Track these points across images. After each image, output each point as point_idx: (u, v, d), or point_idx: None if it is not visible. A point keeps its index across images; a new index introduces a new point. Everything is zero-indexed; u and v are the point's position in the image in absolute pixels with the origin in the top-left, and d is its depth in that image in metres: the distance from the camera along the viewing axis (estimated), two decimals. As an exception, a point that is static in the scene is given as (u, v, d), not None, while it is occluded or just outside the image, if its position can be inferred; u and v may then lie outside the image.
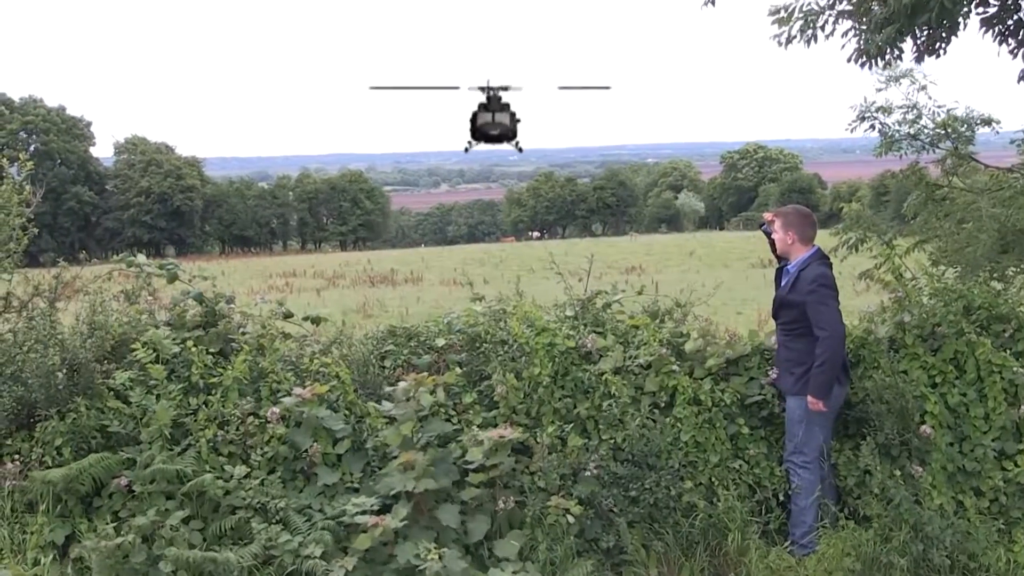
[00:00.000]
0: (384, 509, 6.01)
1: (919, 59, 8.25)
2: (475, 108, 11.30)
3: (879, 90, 9.52)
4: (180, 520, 5.96)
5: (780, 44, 8.36)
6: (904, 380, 6.61)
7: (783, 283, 6.69)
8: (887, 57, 7.97)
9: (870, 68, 8.17)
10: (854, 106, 9.68)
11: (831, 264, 6.61)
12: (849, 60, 8.12)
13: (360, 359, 7.09)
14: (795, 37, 8.14)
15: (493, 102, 10.71)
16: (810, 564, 6.19)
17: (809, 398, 6.36)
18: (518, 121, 11.00)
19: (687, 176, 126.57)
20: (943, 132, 9.75)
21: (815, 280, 6.37)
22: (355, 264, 51.41)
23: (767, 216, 6.90)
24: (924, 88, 9.45)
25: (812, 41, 8.15)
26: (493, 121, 10.81)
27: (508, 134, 10.98)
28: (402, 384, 6.39)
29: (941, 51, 8.05)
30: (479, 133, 11.07)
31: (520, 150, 11.76)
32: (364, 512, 5.88)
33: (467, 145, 11.66)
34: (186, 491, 6.06)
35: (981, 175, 10.07)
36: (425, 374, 6.49)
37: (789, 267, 6.66)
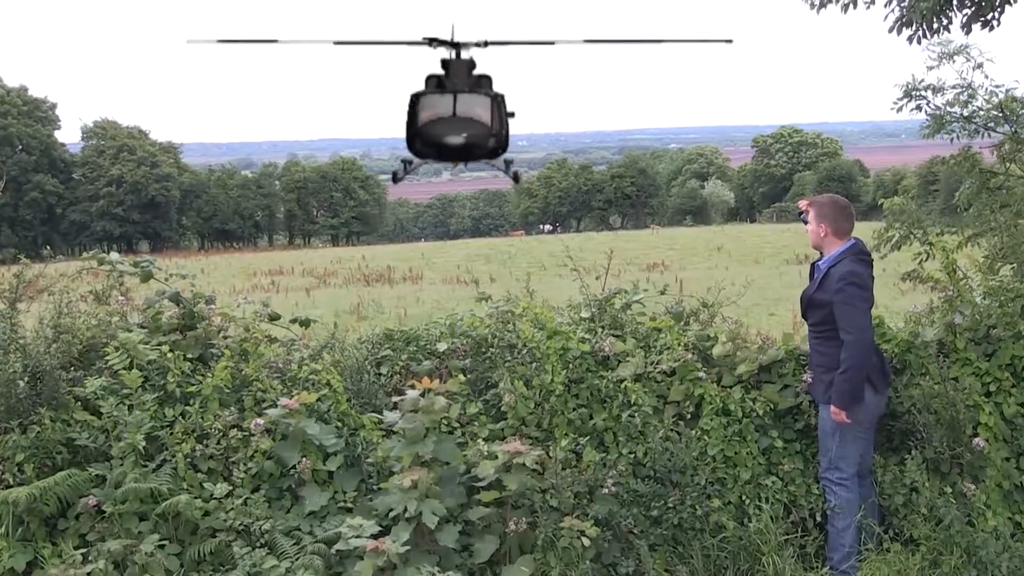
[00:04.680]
0: (382, 531, 6.01)
1: (967, 28, 8.23)
2: (421, 86, 5.84)
3: (930, 68, 9.48)
4: (155, 544, 5.96)
5: (813, 7, 8.36)
6: (955, 388, 6.60)
7: (812, 280, 6.69)
8: (935, 27, 7.96)
9: (918, 42, 8.16)
10: (900, 84, 9.65)
11: (870, 260, 6.58)
12: (891, 30, 8.12)
13: (354, 366, 7.10)
14: (830, 1, 8.15)
15: (455, 72, 5.70)
16: (851, 592, 6.19)
17: (832, 408, 6.38)
18: (511, 116, 5.87)
19: (714, 163, 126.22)
20: (1000, 114, 9.70)
21: (843, 278, 6.36)
22: (348, 261, 51.43)
23: (802, 204, 6.89)
24: (980, 66, 9.42)
25: (851, 7, 8.15)
26: (454, 115, 5.71)
27: (486, 143, 5.83)
28: (411, 393, 6.38)
29: (994, 22, 8.03)
30: (426, 140, 5.86)
31: (516, 179, 5.77)
32: (360, 536, 5.87)
33: (397, 171, 5.90)
34: (161, 512, 6.07)
35: (1042, 162, 10.02)
36: (436, 381, 6.49)
37: (820, 263, 6.66)
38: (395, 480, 6.19)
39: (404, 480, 6.07)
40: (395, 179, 6.52)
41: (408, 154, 6.02)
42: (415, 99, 5.83)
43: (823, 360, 6.54)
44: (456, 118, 5.74)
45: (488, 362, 7.12)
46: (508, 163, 6.23)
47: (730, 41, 5.66)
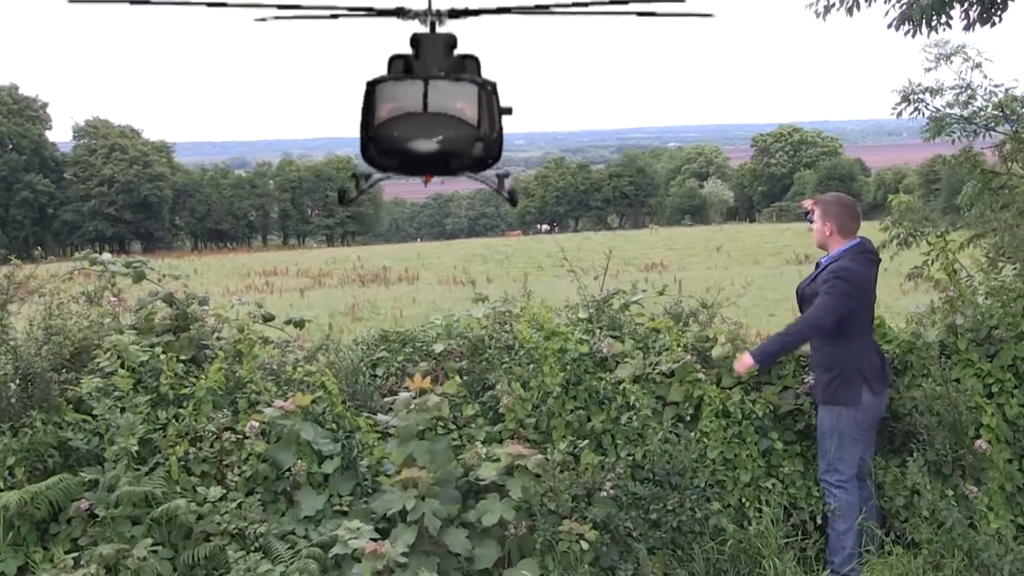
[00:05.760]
0: (380, 535, 6.00)
1: (968, 26, 8.26)
2: (386, 69, 4.58)
3: (928, 69, 9.51)
4: (148, 548, 5.95)
5: (818, 15, 8.39)
6: (957, 389, 6.60)
7: (809, 275, 6.73)
8: (933, 24, 7.99)
9: (913, 35, 8.20)
10: (898, 88, 9.68)
11: (873, 259, 6.57)
12: (890, 27, 8.16)
13: (349, 367, 7.09)
14: (835, 5, 8.17)
15: (427, 50, 4.45)
16: (852, 595, 6.19)
17: (741, 356, 6.54)
18: (507, 112, 4.62)
19: (714, 162, 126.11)
20: (1000, 114, 9.72)
21: (834, 272, 6.42)
22: (343, 261, 51.41)
23: (807, 203, 6.89)
24: (979, 66, 9.43)
25: (855, 8, 8.18)
26: (425, 111, 4.33)
27: (470, 150, 4.42)
28: (403, 395, 6.37)
29: (996, 19, 8.06)
30: (384, 146, 4.42)
31: (513, 201, 5.07)
32: (358, 538, 5.85)
33: (345, 188, 4.98)
34: (155, 516, 6.06)
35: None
36: (430, 381, 6.47)
37: (822, 260, 6.68)
38: (392, 480, 6.18)
39: (404, 477, 6.06)
40: (342, 199, 5.00)
41: (365, 164, 4.57)
42: (372, 88, 4.34)
43: (820, 359, 6.56)
44: (428, 115, 4.26)
45: (485, 363, 7.12)
46: (502, 177, 4.73)
47: (711, 15, 4.40)
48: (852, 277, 6.40)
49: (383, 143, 4.27)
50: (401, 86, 4.31)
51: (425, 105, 4.22)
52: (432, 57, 4.35)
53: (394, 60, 4.41)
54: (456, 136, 4.22)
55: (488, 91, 4.37)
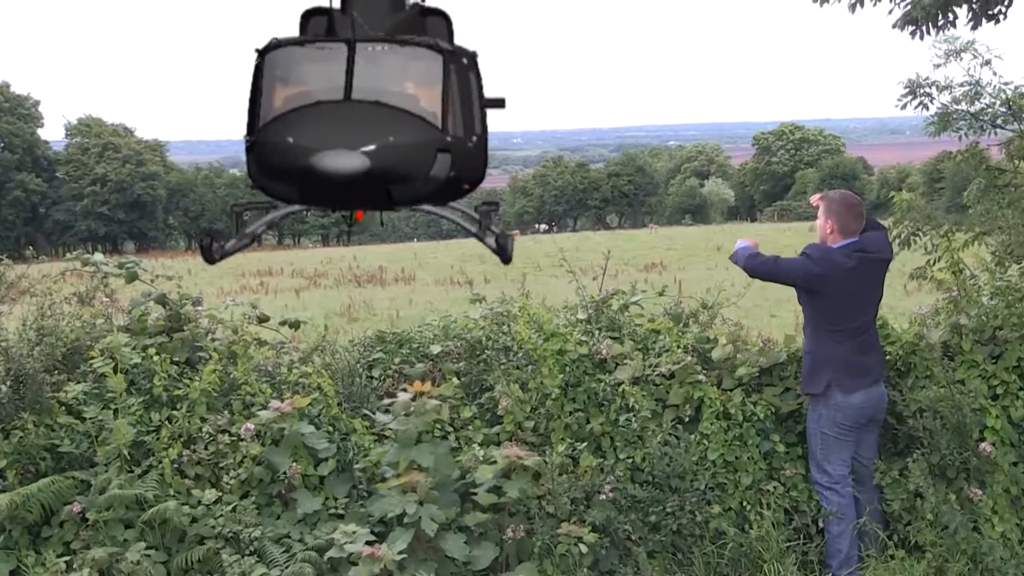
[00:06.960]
0: (376, 538, 5.99)
1: (975, 24, 8.25)
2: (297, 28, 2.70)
3: (937, 66, 9.50)
4: (141, 552, 5.95)
5: (815, 0, 8.39)
6: (961, 391, 6.59)
7: None
8: (939, 23, 7.98)
9: (920, 37, 8.19)
10: (903, 81, 9.66)
11: (874, 259, 6.49)
12: (895, 26, 8.15)
13: (345, 369, 7.09)
14: None
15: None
16: (853, 599, 6.19)
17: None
18: (496, 105, 2.66)
19: (715, 161, 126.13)
20: (1009, 111, 9.71)
21: (809, 246, 6.54)
22: (339, 261, 51.34)
23: (813, 200, 6.87)
24: (988, 63, 9.43)
25: (859, 5, 8.17)
26: (347, 96, 2.35)
27: (427, 167, 2.41)
28: (402, 395, 6.36)
29: (1001, 15, 8.05)
30: (271, 160, 2.43)
31: (505, 255, 2.88)
32: (354, 542, 5.85)
33: (207, 238, 3.05)
34: (147, 519, 6.06)
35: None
36: (429, 384, 6.45)
37: None
38: (389, 483, 6.18)
39: (403, 481, 6.05)
40: (206, 254, 3.19)
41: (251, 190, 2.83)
42: (261, 61, 2.60)
43: (804, 346, 6.60)
44: (352, 106, 2.46)
45: (483, 365, 7.12)
46: (487, 211, 2.99)
47: None
48: (825, 260, 6.37)
49: (270, 156, 2.52)
50: (309, 56, 2.61)
51: (348, 88, 2.48)
52: (367, 7, 2.61)
53: (311, 16, 2.75)
54: (401, 143, 2.46)
55: (462, 66, 2.66)
